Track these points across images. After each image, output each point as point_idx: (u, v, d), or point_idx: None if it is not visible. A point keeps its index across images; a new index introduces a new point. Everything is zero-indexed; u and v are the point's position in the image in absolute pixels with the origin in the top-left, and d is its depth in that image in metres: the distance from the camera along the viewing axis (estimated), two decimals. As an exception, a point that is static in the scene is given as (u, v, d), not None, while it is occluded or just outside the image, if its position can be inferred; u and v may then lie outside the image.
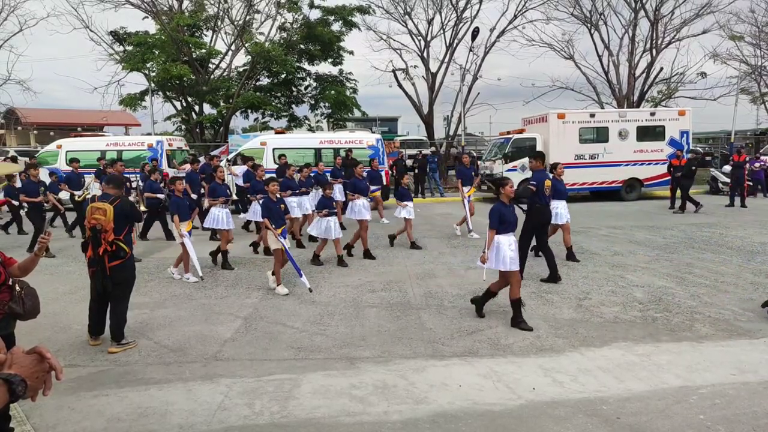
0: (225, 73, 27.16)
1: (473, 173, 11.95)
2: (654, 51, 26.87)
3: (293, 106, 28.94)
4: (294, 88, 28.77)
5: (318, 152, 16.48)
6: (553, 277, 7.60)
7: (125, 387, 4.43)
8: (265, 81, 27.96)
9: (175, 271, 8.22)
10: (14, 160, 20.66)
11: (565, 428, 3.71)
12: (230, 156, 16.49)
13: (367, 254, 9.46)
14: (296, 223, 10.63)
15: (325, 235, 8.85)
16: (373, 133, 22.09)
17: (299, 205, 10.79)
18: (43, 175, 12.49)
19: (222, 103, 26.61)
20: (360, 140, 17.04)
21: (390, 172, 18.07)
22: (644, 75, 27.18)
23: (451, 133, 29.71)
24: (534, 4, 26.74)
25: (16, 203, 11.99)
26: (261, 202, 7.62)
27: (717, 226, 12.20)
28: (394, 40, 27.90)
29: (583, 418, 3.84)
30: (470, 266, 8.68)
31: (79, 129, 29.84)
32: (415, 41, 27.97)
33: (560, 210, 8.67)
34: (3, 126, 37.65)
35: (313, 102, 28.70)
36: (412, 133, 39.69)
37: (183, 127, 28.80)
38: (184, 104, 26.99)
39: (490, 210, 5.90)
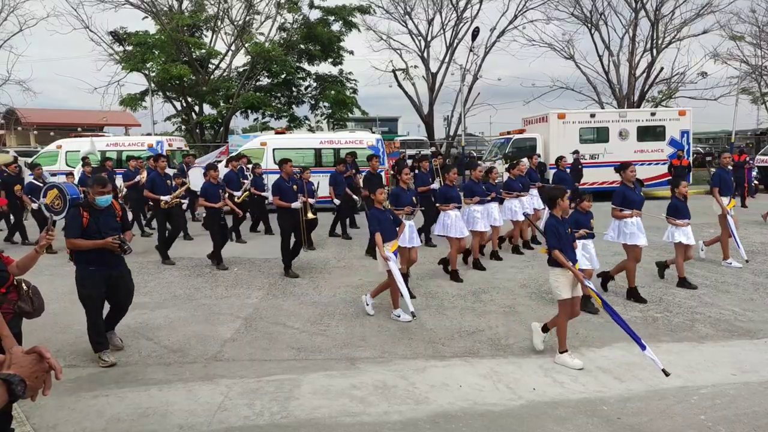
0: (225, 74, 27.19)
1: (732, 179, 8.61)
2: (654, 51, 26.89)
3: (293, 106, 28.98)
4: (294, 89, 28.79)
5: (318, 152, 16.48)
6: None
7: (125, 387, 4.42)
8: (265, 81, 27.99)
9: (371, 301, 6.40)
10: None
11: (566, 428, 3.71)
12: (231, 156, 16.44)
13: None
14: (477, 240, 8.52)
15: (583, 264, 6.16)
16: (373, 133, 22.10)
17: (485, 215, 8.56)
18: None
19: (222, 104, 26.64)
20: (360, 140, 17.05)
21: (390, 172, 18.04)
22: (644, 75, 27.23)
23: (452, 133, 29.76)
24: (534, 4, 26.86)
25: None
26: (546, 221, 5.29)
27: (717, 226, 12.16)
28: (394, 40, 28.01)
29: (583, 418, 3.84)
30: (470, 267, 8.65)
31: (79, 129, 29.94)
32: (415, 41, 28.06)
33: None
34: (3, 126, 37.69)
35: (313, 102, 28.71)
36: (412, 133, 39.68)
37: (183, 127, 28.83)
38: (184, 104, 27.03)
39: None
